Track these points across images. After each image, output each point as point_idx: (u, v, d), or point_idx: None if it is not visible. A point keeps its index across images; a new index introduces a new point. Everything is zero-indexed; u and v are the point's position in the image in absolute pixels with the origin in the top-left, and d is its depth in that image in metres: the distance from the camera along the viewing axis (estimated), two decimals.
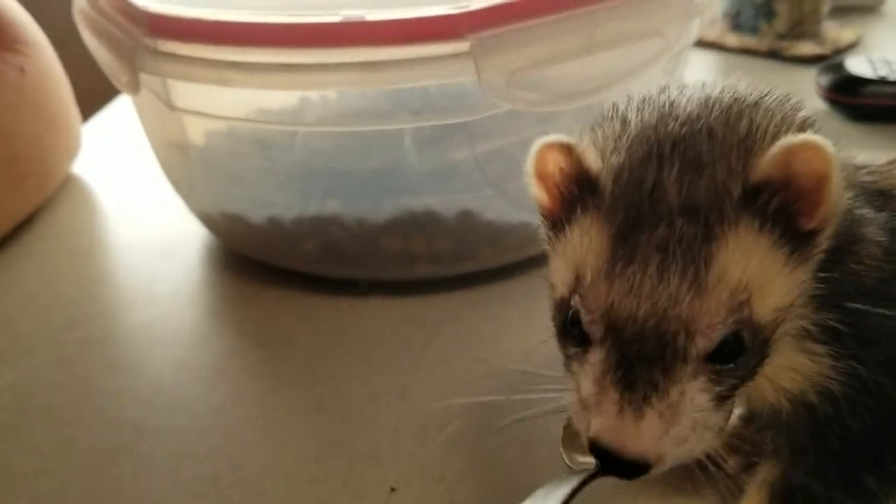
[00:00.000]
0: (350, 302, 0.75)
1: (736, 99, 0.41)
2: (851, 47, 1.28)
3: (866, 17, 1.42)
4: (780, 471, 0.47)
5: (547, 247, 0.45)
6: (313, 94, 0.73)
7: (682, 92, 0.42)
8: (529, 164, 0.43)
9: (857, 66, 1.03)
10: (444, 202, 0.70)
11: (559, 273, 0.41)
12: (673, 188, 0.37)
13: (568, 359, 0.41)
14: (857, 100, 1.01)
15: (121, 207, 0.98)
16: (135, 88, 0.68)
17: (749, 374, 0.39)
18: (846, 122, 1.02)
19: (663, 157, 0.38)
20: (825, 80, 1.04)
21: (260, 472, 0.57)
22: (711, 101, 0.41)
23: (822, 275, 0.40)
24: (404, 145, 0.71)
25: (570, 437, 0.52)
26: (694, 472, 0.54)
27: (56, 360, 0.71)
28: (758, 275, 0.37)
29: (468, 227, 0.72)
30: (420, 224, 0.71)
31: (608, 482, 0.53)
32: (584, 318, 0.38)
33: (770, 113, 0.41)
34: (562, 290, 0.41)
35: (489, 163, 0.70)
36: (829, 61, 1.12)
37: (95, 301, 0.81)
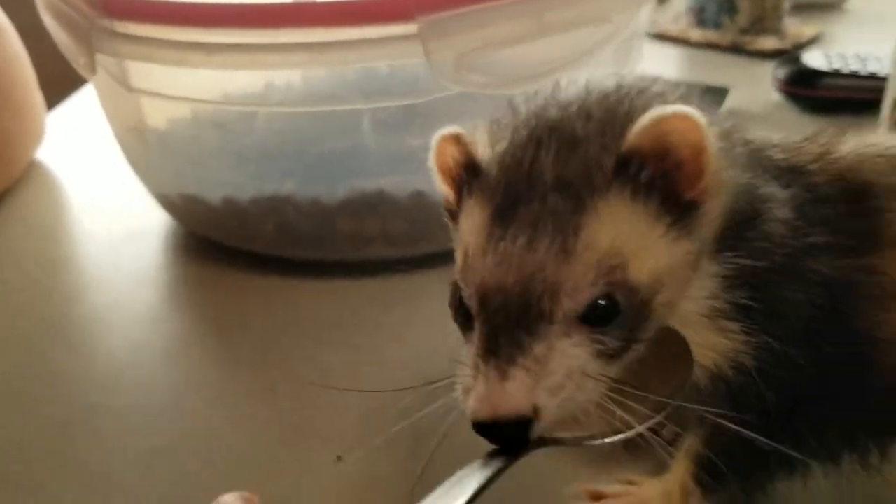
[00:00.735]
0: (307, 284, 0.76)
1: (620, 86, 0.42)
2: (812, 43, 1.30)
3: (828, 13, 1.45)
4: (703, 439, 0.48)
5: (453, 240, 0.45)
6: (278, 79, 0.75)
7: (572, 82, 0.43)
8: (431, 158, 0.44)
9: (812, 59, 1.06)
10: (396, 183, 0.72)
11: (456, 260, 0.42)
12: (548, 167, 0.38)
13: (466, 343, 0.41)
14: (811, 92, 1.03)
15: (84, 193, 0.98)
16: (92, 70, 0.69)
17: (633, 337, 0.40)
18: (801, 113, 1.05)
19: (542, 139, 0.39)
20: (782, 72, 1.06)
21: (210, 446, 0.59)
22: (593, 87, 0.42)
23: (730, 254, 0.41)
24: (362, 128, 0.72)
25: None
26: (630, 443, 0.57)
27: (16, 340, 0.72)
28: (631, 241, 0.38)
29: (421, 207, 0.73)
30: (373, 205, 0.72)
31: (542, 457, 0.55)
32: (465, 293, 0.40)
33: (653, 96, 0.41)
34: (454, 276, 0.42)
35: None
36: (788, 55, 1.14)
37: (57, 284, 0.81)
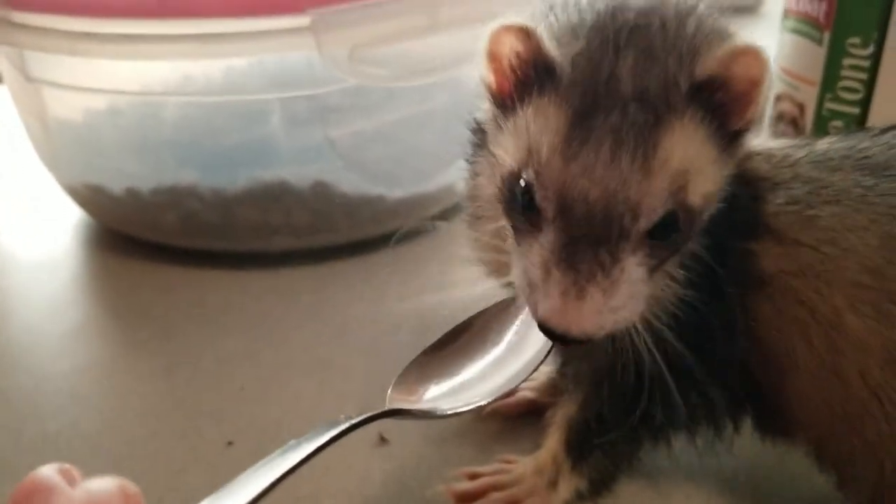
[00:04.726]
0: (212, 274, 0.77)
1: None
2: None
3: (745, 17, 1.49)
4: (577, 406, 0.50)
5: (491, 124, 0.46)
6: (198, 72, 0.75)
7: None
8: (483, 44, 0.44)
9: None
10: (298, 174, 0.73)
11: (508, 149, 0.43)
12: (628, 76, 0.39)
13: (516, 232, 0.43)
14: None
15: None
16: None
17: (677, 251, 0.42)
18: None
19: (619, 46, 0.40)
20: None
21: (100, 429, 0.59)
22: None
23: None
24: (271, 121, 0.73)
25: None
26: (511, 421, 0.59)
27: None
28: (694, 162, 0.40)
29: (323, 198, 0.74)
30: (276, 195, 0.73)
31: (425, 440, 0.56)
32: (539, 193, 0.40)
33: (710, 15, 0.43)
34: (510, 164, 0.42)
35: (342, 137, 0.73)
36: None
37: None
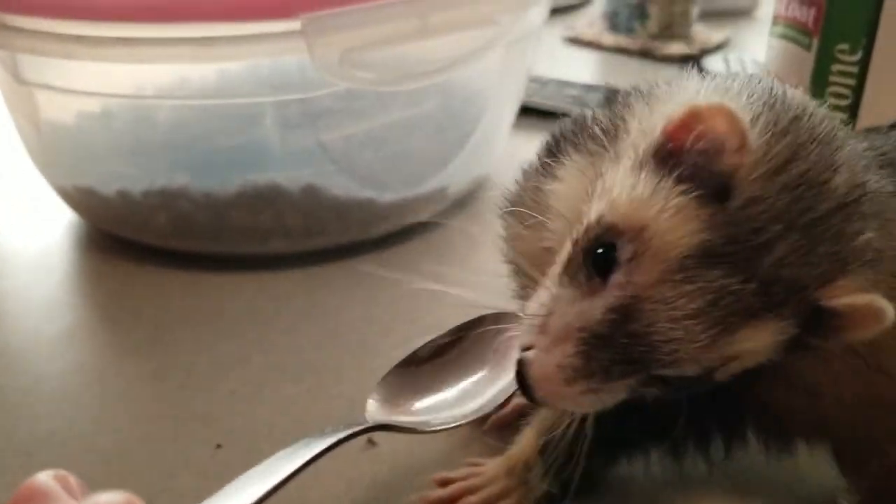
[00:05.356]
0: (204, 277, 0.77)
1: (865, 193, 0.39)
2: (720, 48, 1.34)
3: (738, 20, 1.50)
4: (554, 414, 0.50)
5: (633, 156, 0.41)
6: (193, 74, 0.76)
7: (839, 140, 0.40)
8: (693, 97, 0.40)
9: (713, 64, 1.10)
10: (290, 177, 0.73)
11: (626, 203, 0.39)
12: (774, 257, 0.36)
13: (568, 268, 0.40)
14: None
15: None
16: None
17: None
18: None
19: (791, 227, 0.37)
20: None
21: (93, 431, 0.59)
22: (854, 188, 0.39)
23: None
24: (264, 124, 0.73)
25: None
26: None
27: None
28: (751, 354, 0.38)
29: (314, 201, 0.74)
30: (268, 198, 0.73)
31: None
32: (619, 277, 0.38)
33: (871, 232, 0.39)
34: (612, 216, 0.39)
35: (333, 140, 0.73)
36: (693, 60, 1.19)
37: None
